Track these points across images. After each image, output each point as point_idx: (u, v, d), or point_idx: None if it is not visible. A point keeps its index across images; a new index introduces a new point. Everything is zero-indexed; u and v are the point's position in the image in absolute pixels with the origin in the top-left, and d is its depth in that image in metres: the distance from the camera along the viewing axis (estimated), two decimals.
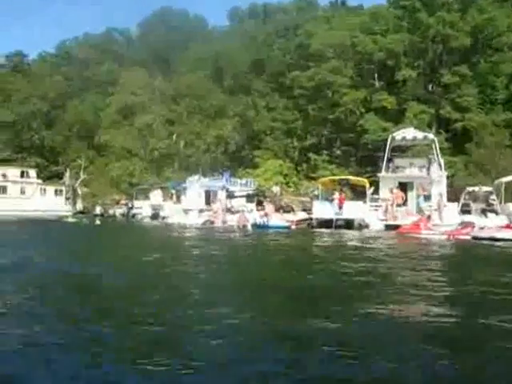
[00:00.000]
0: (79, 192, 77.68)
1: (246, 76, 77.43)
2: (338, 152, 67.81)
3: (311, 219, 40.72)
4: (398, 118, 62.67)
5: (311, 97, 68.89)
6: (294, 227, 38.96)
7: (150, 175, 73.60)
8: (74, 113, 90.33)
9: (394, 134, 43.23)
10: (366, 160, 66.70)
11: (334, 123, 67.18)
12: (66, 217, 49.87)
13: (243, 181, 60.25)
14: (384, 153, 65.10)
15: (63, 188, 74.22)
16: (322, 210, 39.65)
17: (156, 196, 61.48)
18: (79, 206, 76.22)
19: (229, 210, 45.99)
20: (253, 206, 56.95)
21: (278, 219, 39.50)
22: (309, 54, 71.38)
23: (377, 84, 67.76)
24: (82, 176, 78.03)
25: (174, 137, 76.86)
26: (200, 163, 72.91)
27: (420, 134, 43.37)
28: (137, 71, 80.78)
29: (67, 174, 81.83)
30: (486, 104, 63.09)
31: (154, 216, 57.38)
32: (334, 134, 67.84)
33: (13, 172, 70.45)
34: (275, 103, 75.67)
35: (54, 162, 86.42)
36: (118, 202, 68.84)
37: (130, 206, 61.42)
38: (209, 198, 57.77)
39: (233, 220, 41.91)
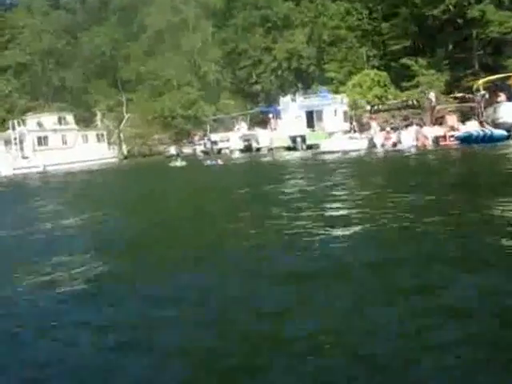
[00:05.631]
0: (121, 135, 66.72)
1: None
2: (433, 55, 57.43)
3: None
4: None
5: None
6: None
7: (207, 105, 62.77)
8: (90, 47, 78.06)
9: None
10: (460, 62, 56.99)
11: (429, 21, 56.48)
12: (175, 159, 39.56)
13: (336, 97, 50.25)
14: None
15: (104, 132, 63.69)
16: None
17: (242, 126, 51.58)
18: (124, 150, 65.73)
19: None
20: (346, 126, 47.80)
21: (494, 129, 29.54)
22: None
23: None
24: (126, 116, 66.61)
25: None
26: (265, 84, 62.61)
27: None
28: None
29: (98, 117, 70.75)
30: None
31: (247, 148, 47.63)
32: (430, 33, 57.15)
33: (49, 119, 59.54)
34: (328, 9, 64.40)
35: (78, 105, 74.41)
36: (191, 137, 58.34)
37: (212, 140, 50.84)
38: (311, 119, 48.00)
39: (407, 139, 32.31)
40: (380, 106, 45.71)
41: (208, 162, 34.11)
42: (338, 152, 32.14)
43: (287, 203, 12.59)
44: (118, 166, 54.30)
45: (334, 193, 13.73)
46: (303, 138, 45.09)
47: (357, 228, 8.72)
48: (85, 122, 69.35)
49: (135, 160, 60.93)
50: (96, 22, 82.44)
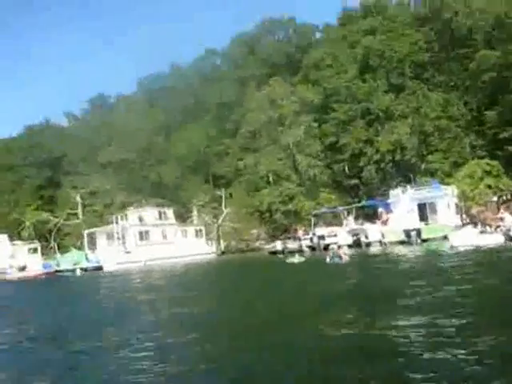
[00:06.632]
0: (219, 231, 66.21)
1: (400, 71, 65.39)
2: None
3: None
4: None
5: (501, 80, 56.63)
6: None
7: (306, 199, 61.67)
8: (185, 145, 79.58)
9: None
10: None
11: None
12: (292, 255, 37.78)
13: (448, 189, 48.29)
14: None
15: (202, 228, 63.35)
16: None
17: (349, 220, 49.87)
18: (222, 245, 65.03)
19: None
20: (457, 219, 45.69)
21: None
22: None
23: None
24: (225, 211, 66.28)
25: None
26: (366, 177, 61.37)
27: None
28: (275, 82, 69.18)
29: (194, 213, 70.82)
30: None
31: (356, 243, 45.56)
32: None
33: (150, 214, 59.82)
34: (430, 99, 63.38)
35: (174, 200, 74.77)
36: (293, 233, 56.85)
37: (318, 235, 49.04)
38: (424, 212, 45.91)
39: None
40: (510, 196, 43.27)
41: (329, 259, 31.96)
42: (469, 246, 29.53)
43: None
44: (219, 262, 53.38)
45: None
46: (418, 232, 42.79)
47: None
48: (181, 217, 69.46)
49: (233, 256, 59.71)
50: (191, 120, 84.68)
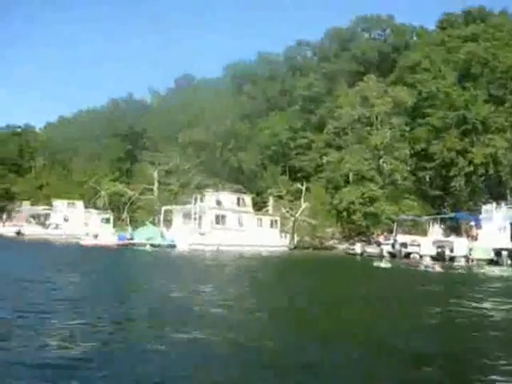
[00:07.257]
0: (295, 225, 64.86)
1: (503, 82, 62.59)
2: None
3: None
4: None
5: None
6: None
7: (388, 204, 59.77)
8: (269, 133, 78.81)
9: None
10: None
11: None
12: (379, 259, 36.56)
13: None
14: None
15: (278, 219, 62.14)
16: None
17: (436, 231, 47.82)
18: (295, 239, 63.69)
19: None
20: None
21: None
22: None
23: None
24: (304, 205, 65.06)
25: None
26: (454, 189, 59.03)
27: None
28: (369, 79, 67.28)
29: (270, 203, 69.85)
30: None
31: (439, 255, 43.48)
32: None
33: (228, 199, 59.03)
34: None
35: (251, 188, 73.93)
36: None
37: (401, 242, 47.25)
38: None
39: None
40: None
41: (422, 267, 30.82)
42: None
43: None
44: (295, 256, 51.93)
45: None
46: (510, 253, 40.64)
47: None
48: (255, 205, 68.60)
49: (306, 251, 58.32)
50: (276, 110, 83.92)
